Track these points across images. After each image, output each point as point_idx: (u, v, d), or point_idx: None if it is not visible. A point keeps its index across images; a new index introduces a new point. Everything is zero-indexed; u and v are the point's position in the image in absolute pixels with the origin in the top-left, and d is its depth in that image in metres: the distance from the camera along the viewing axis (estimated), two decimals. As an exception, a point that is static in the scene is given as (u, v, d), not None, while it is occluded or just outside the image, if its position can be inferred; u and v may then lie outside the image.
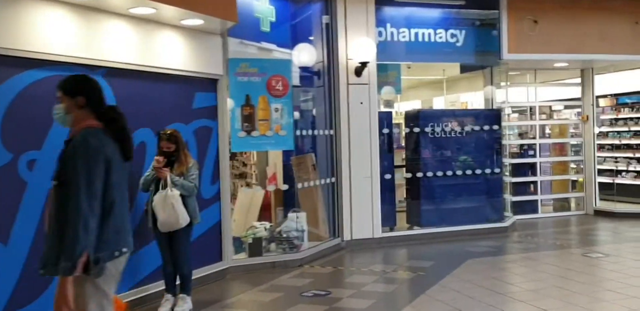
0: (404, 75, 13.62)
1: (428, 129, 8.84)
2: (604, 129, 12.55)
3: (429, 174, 8.79)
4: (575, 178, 10.99)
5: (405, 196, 9.29)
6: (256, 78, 7.20)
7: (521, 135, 12.22)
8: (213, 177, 6.81)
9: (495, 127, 9.22)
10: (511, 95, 11.57)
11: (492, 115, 9.35)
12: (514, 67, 10.21)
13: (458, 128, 8.98)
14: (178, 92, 6.39)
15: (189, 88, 6.54)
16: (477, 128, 9.10)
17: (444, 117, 9.04)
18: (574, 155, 11.19)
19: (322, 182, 8.08)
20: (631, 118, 12.15)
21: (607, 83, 11.83)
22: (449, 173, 8.88)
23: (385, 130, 8.60)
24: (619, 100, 12.54)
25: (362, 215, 8.20)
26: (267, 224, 7.54)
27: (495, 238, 8.65)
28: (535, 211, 10.56)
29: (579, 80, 10.85)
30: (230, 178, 7.06)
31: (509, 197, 9.97)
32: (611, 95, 12.57)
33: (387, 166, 8.67)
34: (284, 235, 7.41)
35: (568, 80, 11.43)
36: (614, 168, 12.34)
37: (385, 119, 8.71)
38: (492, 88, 9.81)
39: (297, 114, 7.99)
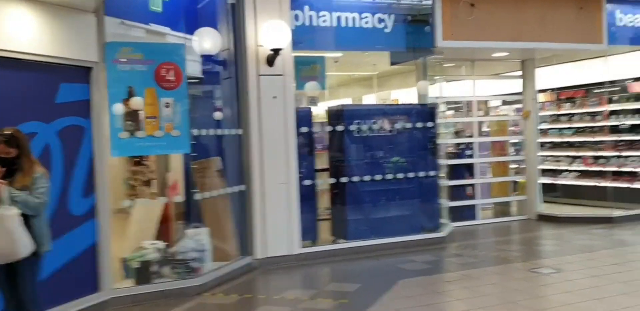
0: (332, 71, 12.66)
1: (353, 128, 7.71)
2: (544, 126, 11.79)
3: (355, 179, 7.66)
4: (516, 180, 10.11)
5: (329, 204, 8.14)
6: (141, 66, 5.87)
7: (457, 134, 11.31)
8: (86, 189, 5.49)
9: (430, 124, 8.19)
10: (447, 90, 10.65)
11: (426, 112, 8.32)
12: (450, 57, 9.23)
13: (388, 127, 7.89)
14: (35, 83, 5.06)
15: (51, 78, 5.21)
16: (409, 126, 8.04)
17: (371, 114, 7.93)
18: (514, 155, 10.32)
19: (230, 190, 6.82)
20: (572, 114, 11.43)
21: (548, 77, 11.05)
22: (379, 177, 7.78)
23: (304, 129, 7.42)
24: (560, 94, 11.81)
25: (278, 229, 6.99)
26: (161, 243, 6.23)
27: (432, 251, 7.61)
28: (474, 217, 9.62)
29: (519, 73, 9.98)
30: (109, 190, 5.71)
31: (445, 202, 8.97)
32: (551, 89, 11.84)
33: (307, 170, 7.50)
34: (180, 257, 6.12)
35: (509, 74, 10.57)
36: (555, 167, 11.60)
37: (304, 116, 7.54)
38: (425, 82, 8.79)
39: (200, 111, 6.73)
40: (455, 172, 9.67)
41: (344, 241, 7.63)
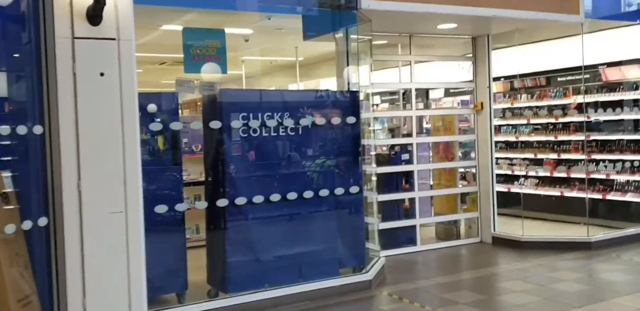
0: (249, 55, 10.02)
1: (237, 124, 5.19)
2: (496, 122, 9.61)
3: (240, 201, 5.16)
4: (466, 192, 7.85)
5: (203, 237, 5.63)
6: None
7: (392, 132, 8.98)
8: None
9: (351, 119, 5.78)
10: (381, 77, 8.35)
11: (345, 103, 5.91)
12: (381, 30, 6.85)
13: (290, 123, 5.42)
14: None
15: None
16: (321, 121, 5.60)
17: (265, 105, 5.45)
18: (463, 160, 8.07)
19: (25, 226, 4.19)
20: (530, 108, 9.29)
21: (502, 63, 8.87)
22: (275, 197, 5.30)
23: (157, 126, 4.87)
24: (515, 84, 9.64)
25: (108, 283, 4.40)
26: None
27: (353, 304, 5.22)
28: (412, 242, 7.29)
29: (470, 56, 7.73)
30: None
31: (375, 223, 6.62)
32: (504, 77, 9.65)
33: (167, 188, 4.96)
34: None
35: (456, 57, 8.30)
36: (510, 172, 9.46)
37: (163, 105, 5.01)
38: (345, 61, 6.38)
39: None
40: (388, 183, 7.32)
41: (224, 295, 5.12)
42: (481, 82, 7.60)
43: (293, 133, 5.46)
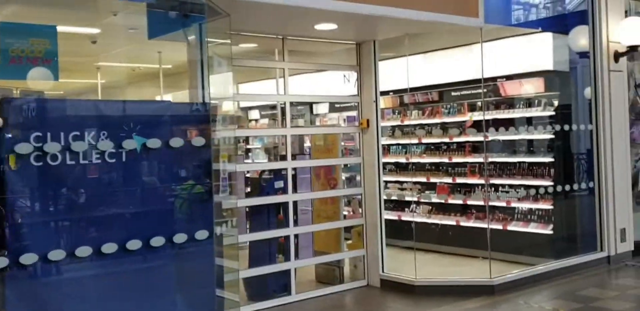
0: (105, 61, 8.44)
1: (25, 149, 3.63)
2: (385, 141, 8.56)
3: (28, 259, 3.58)
4: (351, 225, 6.62)
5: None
6: None
7: (269, 153, 7.67)
8: None
9: (198, 140, 4.37)
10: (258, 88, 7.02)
11: (193, 117, 4.51)
12: (243, 29, 5.53)
13: (108, 146, 3.92)
14: None
15: None
16: (155, 144, 4.14)
17: (70, 120, 3.92)
18: (348, 186, 6.85)
19: None
20: (422, 126, 8.29)
21: (391, 75, 7.83)
22: (84, 251, 3.77)
23: None
24: (405, 99, 8.64)
25: None
26: None
27: None
28: (286, 290, 5.92)
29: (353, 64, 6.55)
30: None
31: (237, 271, 5.21)
32: (393, 91, 8.62)
33: None
34: None
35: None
36: (401, 198, 8.39)
37: None
38: (198, 66, 5.00)
39: None
40: (258, 217, 5.95)
41: None
42: (367, 96, 6.44)
43: (113, 160, 3.95)
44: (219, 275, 4.74)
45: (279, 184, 5.98)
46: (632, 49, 6.90)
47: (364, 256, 6.46)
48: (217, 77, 5.14)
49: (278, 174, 6.00)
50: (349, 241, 6.70)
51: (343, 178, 6.90)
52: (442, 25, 5.68)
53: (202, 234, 4.38)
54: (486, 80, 7.36)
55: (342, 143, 8.10)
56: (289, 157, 5.95)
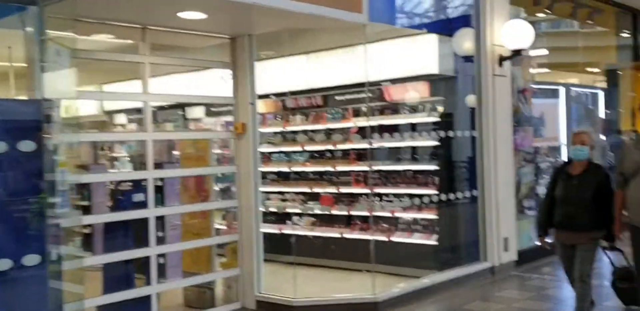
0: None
1: None
2: (266, 149, 7.97)
3: None
4: (225, 242, 5.93)
5: None
6: None
7: (134, 162, 6.85)
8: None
9: (28, 146, 3.54)
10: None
11: (21, 118, 3.67)
12: (101, 17, 4.73)
13: None
14: None
15: None
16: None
17: None
18: (222, 198, 6.17)
19: None
20: (305, 132, 7.77)
21: (273, 76, 7.27)
22: None
23: None
24: (287, 103, 8.10)
25: None
26: None
27: None
28: (147, 318, 5.13)
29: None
30: None
31: (82, 299, 4.38)
32: (275, 94, 8.07)
33: None
34: None
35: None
36: (281, 210, 7.80)
37: None
38: (35, 60, 4.14)
39: None
40: (113, 236, 5.12)
41: None
42: (242, 97, 5.81)
43: None
44: (58, 305, 3.92)
45: (139, 197, 5.19)
46: (516, 52, 6.76)
47: (238, 275, 5.79)
48: (59, 73, 4.32)
49: (138, 186, 5.21)
50: (224, 260, 6.02)
51: (217, 189, 6.21)
52: (323, 20, 5.16)
53: (31, 259, 3.55)
54: (371, 84, 6.99)
55: (220, 151, 7.47)
56: (151, 165, 5.18)
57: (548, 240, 4.93)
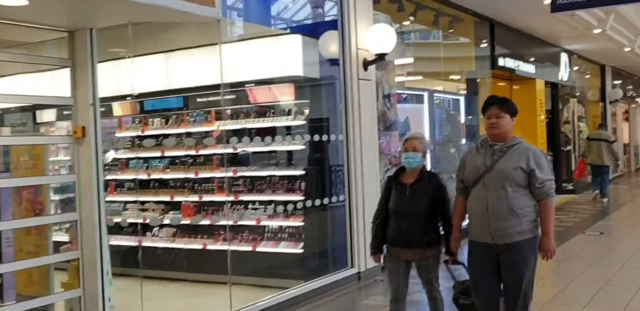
0: None
1: None
2: (123, 155, 7.37)
3: None
4: (61, 260, 5.27)
5: None
6: None
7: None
8: None
9: None
10: None
11: None
12: None
13: None
14: None
15: None
16: None
17: None
18: (65, 211, 5.51)
19: None
20: (166, 136, 7.26)
21: (128, 76, 6.69)
22: None
23: None
24: (145, 105, 7.55)
25: None
26: None
27: None
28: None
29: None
30: None
31: None
32: (133, 96, 7.47)
33: None
34: None
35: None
36: (141, 220, 7.23)
37: None
38: None
39: None
40: None
41: None
42: (82, 98, 5.19)
43: None
44: None
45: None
46: (380, 57, 6.68)
47: (80, 297, 5.18)
48: None
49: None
50: (66, 280, 5.37)
51: (57, 200, 5.56)
52: (171, 12, 4.73)
53: None
54: (234, 85, 6.66)
55: (66, 157, 6.77)
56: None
57: (382, 257, 4.44)
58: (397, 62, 9.01)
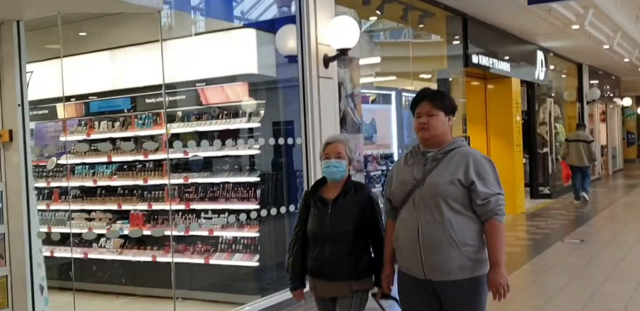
0: None
1: None
2: (70, 161, 6.83)
3: None
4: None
5: None
6: None
7: None
8: None
9: None
10: None
11: None
12: None
13: None
14: None
15: None
16: None
17: None
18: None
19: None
20: (113, 140, 6.74)
21: (71, 76, 6.16)
22: None
23: None
24: (91, 107, 7.02)
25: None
26: None
27: None
28: None
29: None
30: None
31: None
32: (77, 97, 6.96)
33: None
34: None
35: None
36: (87, 230, 6.68)
37: None
38: None
39: None
40: None
41: None
42: (9, 98, 4.69)
43: None
44: None
45: None
46: (342, 52, 6.21)
47: (4, 320, 4.65)
48: None
49: None
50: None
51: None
52: (103, 1, 4.23)
53: None
54: (184, 84, 6.18)
55: None
56: None
57: (305, 292, 3.53)
58: (365, 61, 8.66)
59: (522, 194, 12.31)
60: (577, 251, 8.29)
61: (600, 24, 12.15)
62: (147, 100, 6.61)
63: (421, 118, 3.09)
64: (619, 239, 9.14)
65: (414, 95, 3.23)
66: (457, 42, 10.01)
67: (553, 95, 15.56)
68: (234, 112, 6.23)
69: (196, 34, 6.01)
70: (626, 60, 16.48)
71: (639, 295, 5.90)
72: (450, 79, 10.10)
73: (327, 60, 6.27)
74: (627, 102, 24.06)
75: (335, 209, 3.35)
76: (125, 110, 6.85)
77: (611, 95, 21.43)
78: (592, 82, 18.46)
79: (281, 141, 6.06)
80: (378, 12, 8.21)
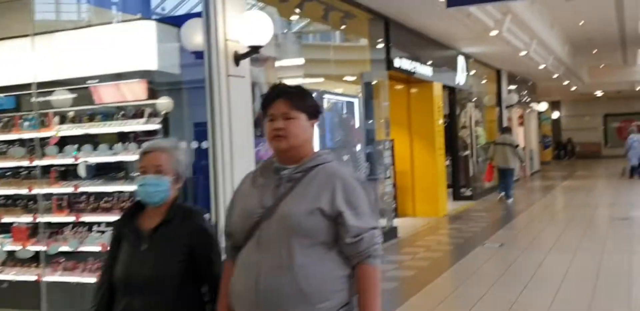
0: None
1: None
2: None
3: None
4: None
5: None
6: None
7: None
8: None
9: None
10: None
11: None
12: None
13: None
14: None
15: None
16: None
17: None
18: None
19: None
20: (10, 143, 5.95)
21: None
22: None
23: None
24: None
25: None
26: None
27: None
28: None
29: None
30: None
31: None
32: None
33: None
34: None
35: None
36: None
37: None
38: None
39: None
40: None
41: None
42: None
43: None
44: None
45: None
46: (253, 49, 5.69)
47: None
48: None
49: None
50: None
51: None
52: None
53: None
54: (76, 81, 5.49)
55: None
56: None
57: None
58: (289, 62, 8.24)
59: (445, 196, 12.40)
60: (496, 256, 8.16)
61: (518, 30, 12.25)
62: (33, 99, 5.86)
63: (276, 122, 2.28)
64: (536, 243, 9.10)
65: (266, 94, 2.40)
66: (380, 45, 9.75)
67: (474, 100, 15.69)
68: (133, 112, 5.59)
69: (88, 26, 5.35)
70: (542, 66, 16.82)
71: (556, 304, 5.74)
72: (375, 82, 9.80)
73: (237, 58, 5.73)
74: (542, 107, 24.83)
75: (153, 245, 2.42)
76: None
77: (528, 100, 21.99)
78: (510, 87, 18.80)
79: (186, 144, 5.48)
80: (297, 10, 7.76)
